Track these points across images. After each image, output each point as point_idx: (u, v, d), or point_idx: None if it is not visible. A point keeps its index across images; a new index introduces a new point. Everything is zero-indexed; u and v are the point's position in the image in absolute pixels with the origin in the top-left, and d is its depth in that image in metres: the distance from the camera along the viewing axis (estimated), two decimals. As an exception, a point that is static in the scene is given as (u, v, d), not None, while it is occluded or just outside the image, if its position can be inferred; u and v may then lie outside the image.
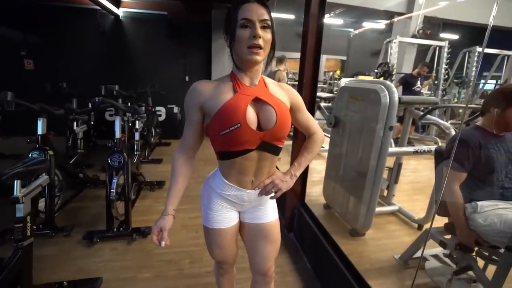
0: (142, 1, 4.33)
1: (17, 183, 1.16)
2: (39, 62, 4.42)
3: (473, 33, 5.89)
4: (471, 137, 1.41)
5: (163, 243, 0.84)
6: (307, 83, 1.80)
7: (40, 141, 1.98)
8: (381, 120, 1.80)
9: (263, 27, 0.74)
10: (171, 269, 1.72)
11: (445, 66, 4.76)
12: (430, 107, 2.00)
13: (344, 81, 2.37)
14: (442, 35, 6.07)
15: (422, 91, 5.54)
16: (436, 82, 4.91)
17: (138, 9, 4.48)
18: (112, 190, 1.91)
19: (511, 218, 1.24)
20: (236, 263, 1.22)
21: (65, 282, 1.46)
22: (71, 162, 2.72)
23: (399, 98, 2.12)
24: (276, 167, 0.99)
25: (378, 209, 2.48)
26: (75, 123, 2.89)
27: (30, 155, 1.94)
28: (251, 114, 0.79)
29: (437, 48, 4.87)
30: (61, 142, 3.08)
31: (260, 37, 0.73)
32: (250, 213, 1.00)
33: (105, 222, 1.99)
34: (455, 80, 5.27)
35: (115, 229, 1.99)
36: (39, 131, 1.98)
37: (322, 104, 3.27)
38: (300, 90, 1.85)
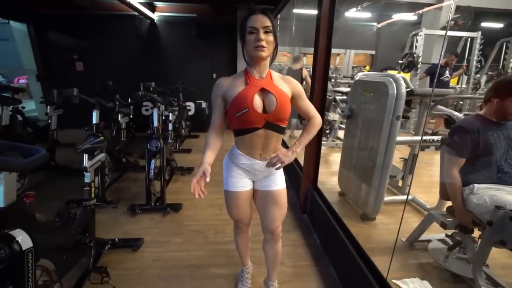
0: (174, 5, 4.73)
1: (85, 156, 1.52)
2: (87, 64, 5.05)
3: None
4: (470, 124, 1.51)
5: (197, 194, 0.97)
6: (319, 77, 1.99)
7: (94, 129, 2.39)
8: (389, 111, 1.92)
9: (266, 32, 0.98)
10: (198, 237, 2.03)
11: (477, 58, 4.54)
12: (440, 99, 2.06)
13: (359, 75, 2.49)
14: (485, 24, 5.71)
15: (456, 85, 5.31)
16: (467, 73, 4.70)
17: (171, 13, 4.89)
18: (150, 170, 2.27)
19: (499, 196, 1.34)
20: (252, 236, 1.48)
21: (116, 239, 1.83)
22: (116, 148, 3.16)
23: (412, 90, 2.22)
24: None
25: (392, 197, 2.58)
26: (119, 115, 3.35)
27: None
28: (257, 101, 1.04)
29: (468, 39, 4.65)
30: (106, 133, 3.58)
31: (263, 40, 0.97)
32: (262, 182, 1.24)
33: (144, 198, 2.37)
34: (490, 73, 4.98)
35: (152, 203, 2.35)
36: (94, 121, 2.40)
37: (339, 98, 3.38)
38: (312, 84, 2.04)
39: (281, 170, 1.26)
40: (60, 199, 2.41)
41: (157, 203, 2.37)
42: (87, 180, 1.52)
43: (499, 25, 6.08)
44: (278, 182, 1.24)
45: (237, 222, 1.35)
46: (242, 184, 1.21)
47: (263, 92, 1.06)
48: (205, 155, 1.09)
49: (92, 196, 1.56)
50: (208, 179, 0.98)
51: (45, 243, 1.15)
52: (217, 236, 2.05)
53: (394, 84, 1.88)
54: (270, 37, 0.99)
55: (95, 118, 2.40)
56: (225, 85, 1.09)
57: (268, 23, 0.98)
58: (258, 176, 1.22)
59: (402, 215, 1.52)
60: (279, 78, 1.12)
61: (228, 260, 1.78)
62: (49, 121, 3.02)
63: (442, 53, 4.13)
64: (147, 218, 2.25)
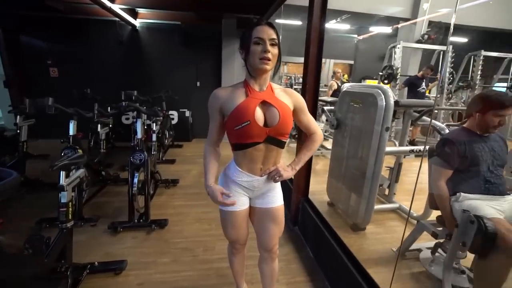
0: (157, 12, 4.62)
1: (62, 174, 1.38)
2: (62, 70, 4.77)
3: (484, 37, 5.95)
4: (457, 137, 1.55)
5: (229, 199, 1.07)
6: (310, 87, 1.98)
7: (71, 141, 2.22)
8: (378, 122, 1.95)
9: (272, 44, 0.94)
10: (186, 255, 1.91)
11: (449, 70, 4.84)
12: (424, 110, 2.14)
13: (346, 86, 2.53)
14: (452, 38, 6.12)
15: (429, 94, 5.62)
16: (441, 85, 4.99)
17: (154, 19, 4.77)
18: (134, 185, 2.13)
19: (474, 204, 1.43)
20: (247, 251, 1.41)
21: (96, 263, 1.67)
22: (95, 161, 2.96)
23: (397, 101, 2.28)
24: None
25: (379, 206, 2.61)
26: (99, 125, 3.15)
27: (62, 153, 2.18)
28: (258, 114, 0.99)
29: (441, 52, 4.97)
30: (84, 144, 3.36)
31: (269, 52, 0.93)
32: (260, 199, 1.18)
33: (126, 215, 2.21)
34: (461, 83, 5.32)
35: (136, 220, 2.20)
36: (71, 132, 2.23)
37: (326, 108, 3.43)
38: (303, 94, 2.03)
39: (279, 187, 1.21)
40: (31, 218, 2.18)
41: (141, 220, 2.22)
42: (63, 200, 1.38)
43: (463, 40, 6.55)
44: (277, 199, 1.20)
45: (233, 242, 1.27)
46: (240, 202, 1.14)
47: (264, 104, 1.01)
48: (206, 176, 1.10)
49: (70, 217, 1.41)
50: (230, 200, 1.08)
51: (14, 279, 1.01)
52: (206, 253, 1.94)
53: (383, 96, 1.92)
54: (276, 50, 0.95)
55: (72, 129, 2.23)
56: (223, 97, 1.02)
57: (274, 36, 0.94)
58: (256, 193, 1.16)
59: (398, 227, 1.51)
60: (280, 90, 1.08)
61: (220, 279, 1.69)
62: (19, 131, 2.78)
63: (411, 65, 4.36)
64: (130, 237, 2.10)
